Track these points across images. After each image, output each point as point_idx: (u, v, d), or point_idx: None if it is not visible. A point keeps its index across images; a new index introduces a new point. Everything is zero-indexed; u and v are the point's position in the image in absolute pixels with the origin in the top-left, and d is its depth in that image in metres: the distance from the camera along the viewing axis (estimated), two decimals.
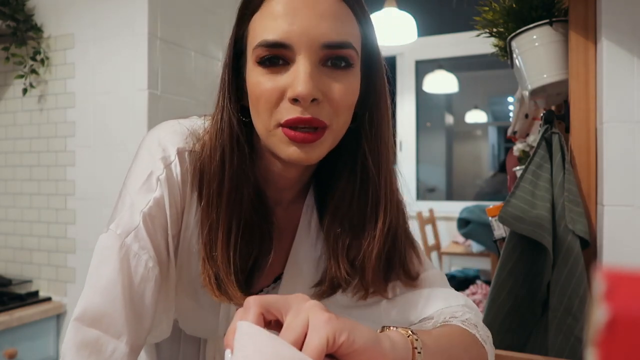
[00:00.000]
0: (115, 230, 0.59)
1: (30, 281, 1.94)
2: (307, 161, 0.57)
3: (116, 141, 1.76)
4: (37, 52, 1.88)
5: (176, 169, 0.62)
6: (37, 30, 1.88)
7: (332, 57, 0.56)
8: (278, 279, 0.71)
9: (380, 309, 0.68)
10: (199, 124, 0.65)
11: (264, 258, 0.65)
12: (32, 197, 1.96)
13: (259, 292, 0.70)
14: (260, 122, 0.58)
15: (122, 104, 1.75)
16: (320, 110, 0.56)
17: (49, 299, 1.87)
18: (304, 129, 0.55)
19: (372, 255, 0.62)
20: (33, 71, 1.89)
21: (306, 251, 0.70)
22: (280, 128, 0.56)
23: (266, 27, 0.56)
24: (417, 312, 0.68)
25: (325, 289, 0.66)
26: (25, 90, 1.90)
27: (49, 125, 1.90)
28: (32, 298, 1.83)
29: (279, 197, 0.69)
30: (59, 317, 1.88)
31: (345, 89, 0.57)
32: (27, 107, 1.95)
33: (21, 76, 1.89)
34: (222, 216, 0.60)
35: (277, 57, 0.56)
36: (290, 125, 0.55)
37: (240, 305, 0.57)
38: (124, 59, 1.75)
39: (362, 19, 0.59)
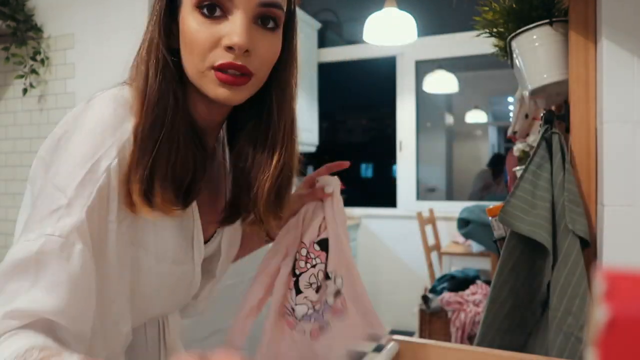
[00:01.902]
0: (52, 233, 0.56)
1: None
2: (232, 101, 0.65)
3: None
4: (37, 52, 1.88)
5: (130, 146, 0.61)
6: (37, 30, 1.89)
7: (264, 15, 0.64)
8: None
9: None
10: (128, 90, 0.67)
11: (198, 181, 0.69)
12: None
13: (206, 242, 0.76)
14: (192, 64, 0.64)
15: None
16: (250, 61, 0.63)
17: None
18: (234, 73, 0.63)
19: (265, 188, 0.71)
20: (33, 71, 1.89)
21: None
22: (213, 71, 0.63)
23: None
24: None
25: (228, 214, 0.75)
26: (25, 90, 1.90)
27: (49, 125, 1.90)
28: None
29: (204, 134, 0.73)
30: None
31: (271, 47, 0.66)
32: (27, 107, 1.95)
33: (21, 76, 1.89)
34: (160, 156, 0.61)
35: (216, 5, 0.62)
36: (223, 69, 0.62)
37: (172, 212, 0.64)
38: (124, 59, 1.75)
39: None
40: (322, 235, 0.82)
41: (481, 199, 4.08)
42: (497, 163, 4.30)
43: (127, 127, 0.61)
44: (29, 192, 0.72)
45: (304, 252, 0.82)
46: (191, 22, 0.63)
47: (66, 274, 0.55)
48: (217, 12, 0.62)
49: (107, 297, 0.62)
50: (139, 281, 0.67)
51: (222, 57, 0.62)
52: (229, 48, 0.62)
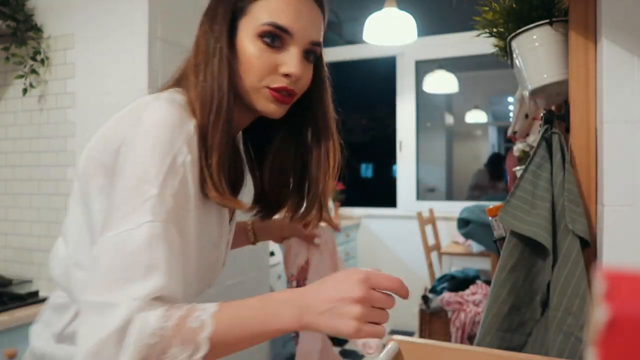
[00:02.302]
0: (154, 219, 0.62)
1: (30, 281, 1.94)
2: (277, 115, 0.79)
3: None
4: (37, 52, 1.88)
5: (195, 144, 0.70)
6: (37, 30, 1.88)
7: (309, 50, 0.78)
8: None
9: None
10: (177, 95, 0.75)
11: (240, 183, 0.86)
12: (32, 197, 1.95)
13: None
14: (248, 81, 0.76)
15: (122, 104, 1.74)
16: (296, 86, 0.78)
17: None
18: (285, 93, 0.76)
19: (329, 186, 0.86)
20: (33, 71, 1.89)
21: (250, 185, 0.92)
22: (267, 89, 0.76)
23: (280, 12, 0.74)
24: None
25: (269, 210, 0.92)
26: (25, 90, 1.89)
27: (49, 125, 1.90)
28: (32, 298, 1.83)
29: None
30: None
31: (309, 76, 0.81)
32: (27, 107, 1.95)
33: (21, 76, 1.89)
34: (215, 154, 0.71)
35: (278, 37, 0.74)
36: (278, 90, 0.76)
37: (233, 206, 0.77)
38: (124, 59, 1.75)
39: (325, 26, 0.82)
40: (307, 274, 0.96)
41: (473, 198, 4.07)
42: (495, 163, 4.24)
43: (190, 127, 0.70)
44: (77, 189, 0.78)
45: (294, 284, 0.95)
46: (252, 48, 0.74)
47: (174, 254, 0.63)
48: (277, 43, 0.75)
49: None
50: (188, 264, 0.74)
51: (279, 82, 0.76)
52: (286, 75, 0.75)
